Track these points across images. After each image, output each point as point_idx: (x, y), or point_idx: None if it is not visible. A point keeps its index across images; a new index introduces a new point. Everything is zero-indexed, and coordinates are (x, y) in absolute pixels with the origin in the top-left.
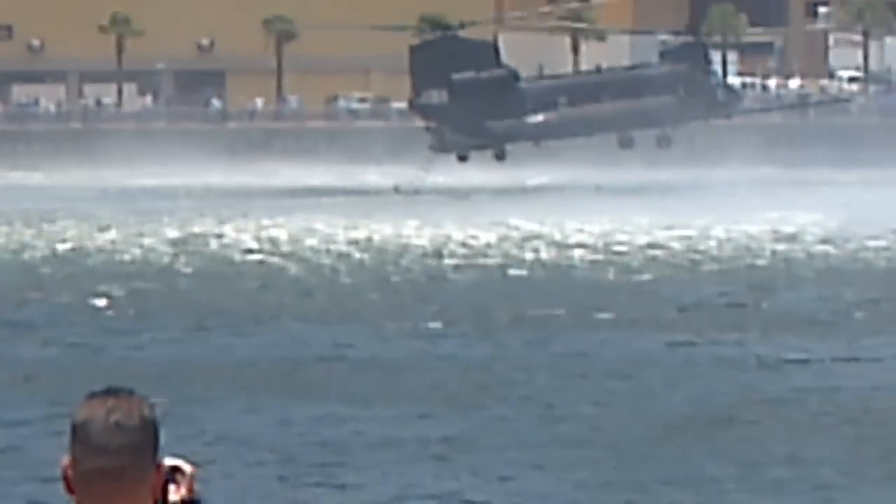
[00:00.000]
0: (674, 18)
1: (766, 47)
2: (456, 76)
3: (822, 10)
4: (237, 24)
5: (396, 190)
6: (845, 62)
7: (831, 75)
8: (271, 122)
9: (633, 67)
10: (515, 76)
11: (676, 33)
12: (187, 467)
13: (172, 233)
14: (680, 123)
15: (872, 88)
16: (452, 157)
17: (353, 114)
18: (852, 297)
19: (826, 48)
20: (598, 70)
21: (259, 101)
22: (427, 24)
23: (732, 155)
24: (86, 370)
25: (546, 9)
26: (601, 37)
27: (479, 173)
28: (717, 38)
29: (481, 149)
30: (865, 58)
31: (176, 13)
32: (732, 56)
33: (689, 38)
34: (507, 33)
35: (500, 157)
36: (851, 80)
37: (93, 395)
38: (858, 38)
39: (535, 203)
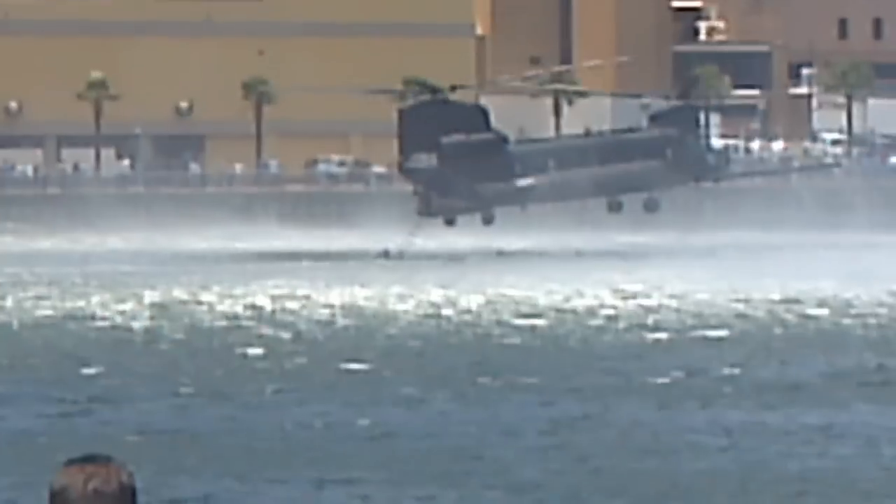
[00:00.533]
0: (656, 80)
1: (750, 109)
2: (445, 140)
3: (805, 72)
4: (216, 88)
5: (386, 255)
6: (829, 124)
7: (814, 138)
8: (251, 186)
9: (622, 131)
10: (504, 140)
11: (667, 97)
12: None
13: (153, 298)
14: (668, 187)
15: (856, 151)
16: (439, 221)
17: (333, 178)
18: (844, 363)
19: (809, 110)
20: (587, 133)
21: (238, 166)
22: (416, 86)
23: (718, 218)
24: (66, 438)
25: (531, 72)
26: (584, 96)
27: (465, 237)
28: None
29: (469, 213)
30: (849, 120)
31: (154, 77)
32: (715, 118)
33: (680, 102)
34: (489, 96)
35: (488, 221)
36: (835, 142)
37: (71, 463)
38: (842, 100)
39: (517, 267)
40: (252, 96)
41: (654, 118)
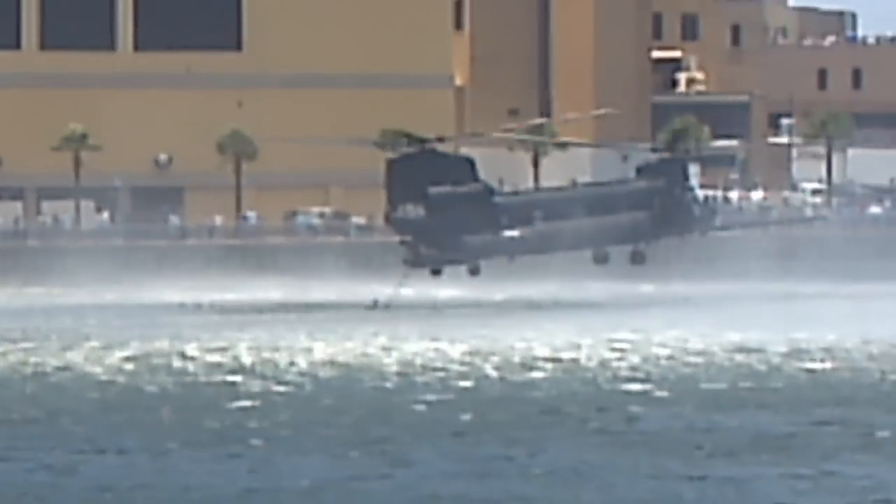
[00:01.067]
0: (635, 131)
1: (729, 159)
2: (432, 190)
3: (784, 121)
4: (195, 141)
5: (375, 305)
6: (808, 174)
7: (794, 188)
8: (230, 238)
9: (609, 183)
10: (491, 191)
11: (654, 149)
12: None
13: (134, 351)
14: (655, 240)
15: (835, 201)
16: (425, 272)
17: (313, 229)
18: (817, 416)
19: (789, 160)
20: (574, 185)
21: (218, 218)
22: (403, 138)
23: (696, 270)
24: (48, 492)
25: (511, 125)
26: (563, 148)
27: (449, 288)
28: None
29: (456, 264)
30: (828, 170)
31: (133, 129)
32: (694, 168)
33: (666, 154)
34: (467, 148)
35: (474, 272)
36: (815, 192)
37: None
38: (821, 150)
39: (501, 318)
40: (230, 149)
41: (642, 170)
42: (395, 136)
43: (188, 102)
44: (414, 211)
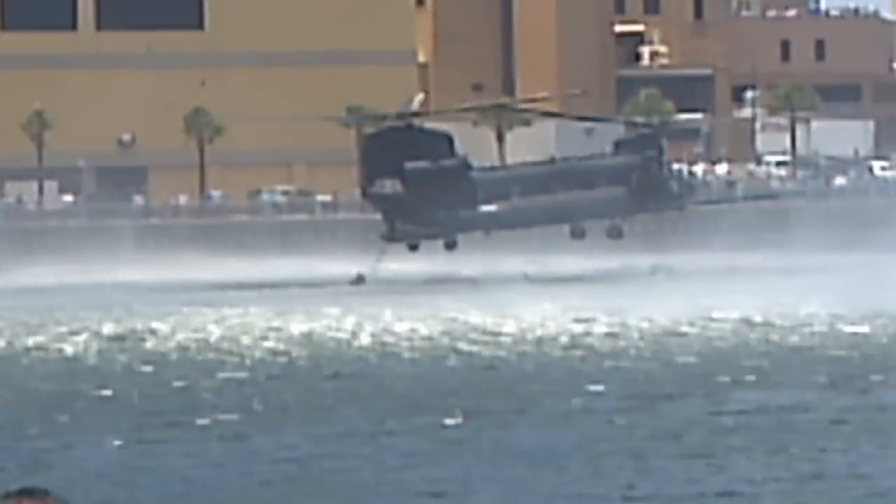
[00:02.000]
0: (600, 105)
1: (693, 133)
2: (409, 165)
3: (748, 94)
4: (158, 120)
5: (359, 280)
6: (772, 147)
7: (759, 160)
8: (195, 217)
9: (586, 158)
10: (468, 166)
11: (633, 124)
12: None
13: (105, 330)
14: (632, 215)
15: (800, 173)
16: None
17: (277, 207)
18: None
19: (753, 133)
20: (552, 160)
21: (182, 197)
22: (370, 115)
23: (665, 242)
24: (16, 472)
25: (478, 103)
26: (526, 124)
27: (426, 263)
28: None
29: (433, 238)
30: (793, 142)
31: (96, 109)
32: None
33: (645, 129)
34: (431, 124)
35: (451, 246)
36: (779, 164)
37: (7, 496)
38: (785, 122)
39: (476, 294)
40: (194, 128)
41: (619, 145)
42: (370, 115)
43: (151, 82)
44: (391, 186)
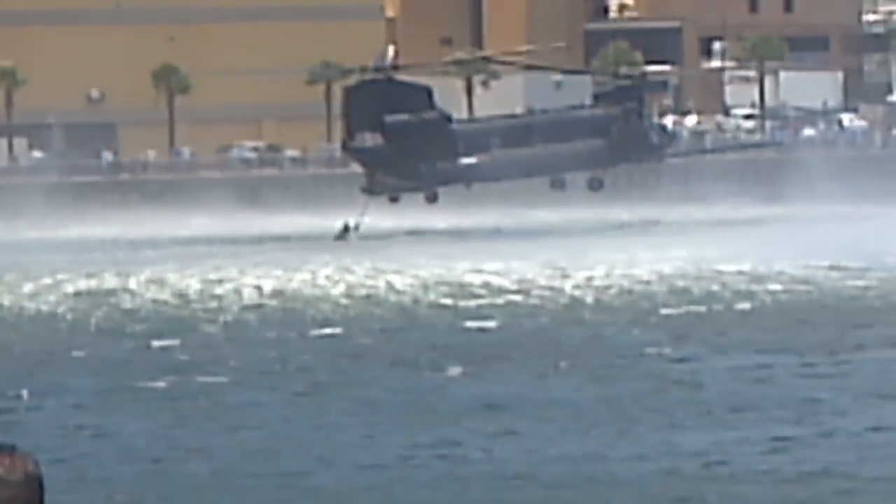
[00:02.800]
0: (568, 58)
1: (661, 85)
2: (389, 118)
3: (716, 46)
4: (127, 76)
5: (346, 231)
6: (741, 99)
7: (727, 112)
8: (164, 173)
9: (566, 110)
10: (448, 118)
11: (614, 75)
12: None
13: (76, 287)
14: (612, 166)
15: (769, 124)
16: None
17: (247, 163)
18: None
19: (721, 85)
20: (531, 112)
21: (151, 153)
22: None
23: (637, 194)
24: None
25: (448, 58)
26: (495, 77)
27: (406, 216)
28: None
29: (413, 191)
30: (761, 94)
31: (65, 66)
32: None
33: (625, 81)
34: (402, 77)
35: (432, 199)
36: (747, 116)
37: None
38: (753, 74)
39: (456, 246)
40: (163, 83)
41: (599, 97)
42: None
43: (120, 38)
44: (371, 139)
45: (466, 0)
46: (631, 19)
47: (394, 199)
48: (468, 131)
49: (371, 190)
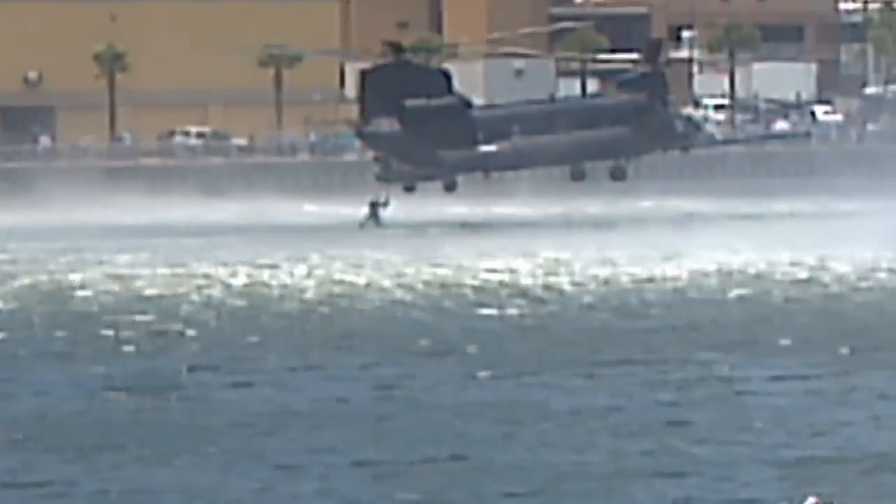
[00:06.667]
0: (531, 44)
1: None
2: (408, 103)
3: (686, 34)
4: (66, 57)
5: (377, 207)
6: (711, 89)
7: (697, 103)
8: (104, 159)
9: (589, 97)
10: (467, 104)
11: (634, 62)
12: None
13: (24, 281)
14: (636, 155)
15: (739, 117)
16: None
17: (191, 150)
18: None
19: (690, 75)
20: (553, 99)
21: (91, 139)
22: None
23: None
24: None
25: (405, 40)
26: (454, 55)
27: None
28: (577, 64)
29: (431, 180)
30: (732, 84)
31: (1, 45)
32: (593, 83)
33: (647, 68)
34: (356, 63)
35: (450, 188)
36: (718, 107)
37: None
38: (725, 63)
39: (474, 238)
40: (104, 65)
41: (622, 84)
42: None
43: (59, 16)
44: (388, 125)
45: None
46: (597, 4)
47: (409, 189)
48: (488, 118)
49: (386, 178)
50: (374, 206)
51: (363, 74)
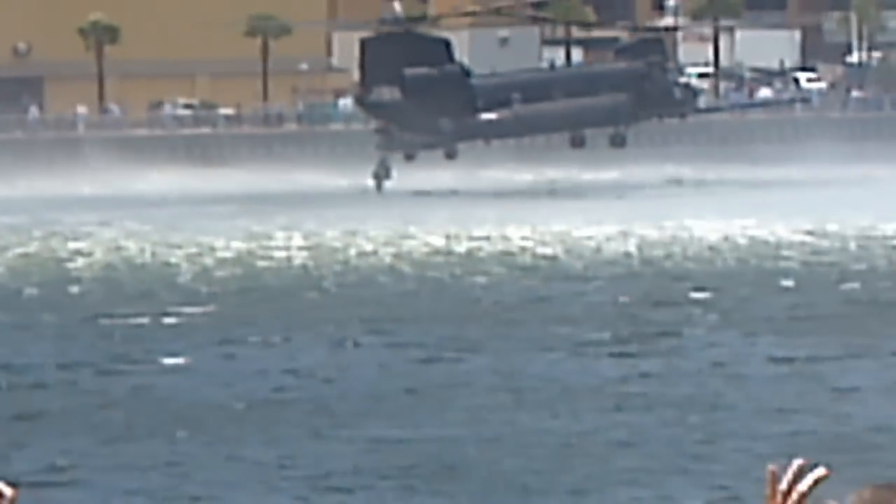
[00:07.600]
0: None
1: (612, 42)
2: (408, 72)
3: (669, 2)
4: (55, 28)
5: (382, 175)
6: (694, 57)
7: (680, 71)
8: (93, 130)
9: (588, 64)
10: (467, 73)
11: (633, 29)
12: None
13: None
14: (635, 122)
15: (723, 85)
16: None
17: (179, 120)
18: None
19: (674, 43)
20: (552, 67)
21: (80, 109)
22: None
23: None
24: None
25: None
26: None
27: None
28: (560, 34)
29: (432, 148)
30: (716, 52)
31: None
32: (577, 52)
33: (646, 35)
34: (341, 33)
35: (451, 156)
36: (701, 76)
37: None
38: (708, 31)
39: (477, 206)
40: (93, 36)
41: (621, 51)
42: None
43: None
44: (389, 93)
45: None
46: None
47: (409, 157)
48: (488, 86)
49: (387, 146)
50: (377, 176)
51: (363, 43)
